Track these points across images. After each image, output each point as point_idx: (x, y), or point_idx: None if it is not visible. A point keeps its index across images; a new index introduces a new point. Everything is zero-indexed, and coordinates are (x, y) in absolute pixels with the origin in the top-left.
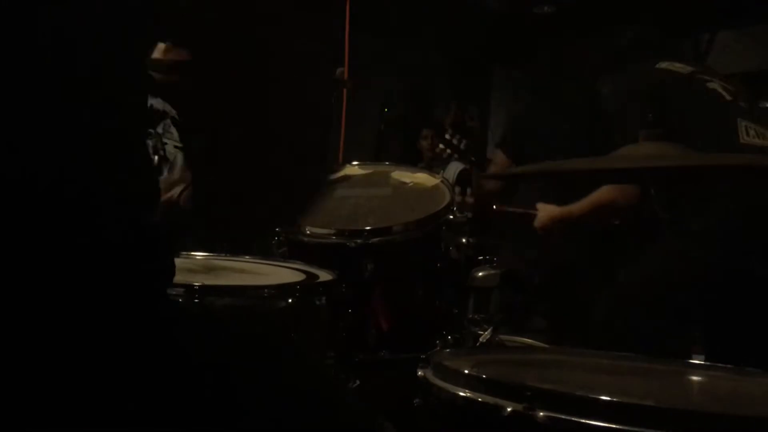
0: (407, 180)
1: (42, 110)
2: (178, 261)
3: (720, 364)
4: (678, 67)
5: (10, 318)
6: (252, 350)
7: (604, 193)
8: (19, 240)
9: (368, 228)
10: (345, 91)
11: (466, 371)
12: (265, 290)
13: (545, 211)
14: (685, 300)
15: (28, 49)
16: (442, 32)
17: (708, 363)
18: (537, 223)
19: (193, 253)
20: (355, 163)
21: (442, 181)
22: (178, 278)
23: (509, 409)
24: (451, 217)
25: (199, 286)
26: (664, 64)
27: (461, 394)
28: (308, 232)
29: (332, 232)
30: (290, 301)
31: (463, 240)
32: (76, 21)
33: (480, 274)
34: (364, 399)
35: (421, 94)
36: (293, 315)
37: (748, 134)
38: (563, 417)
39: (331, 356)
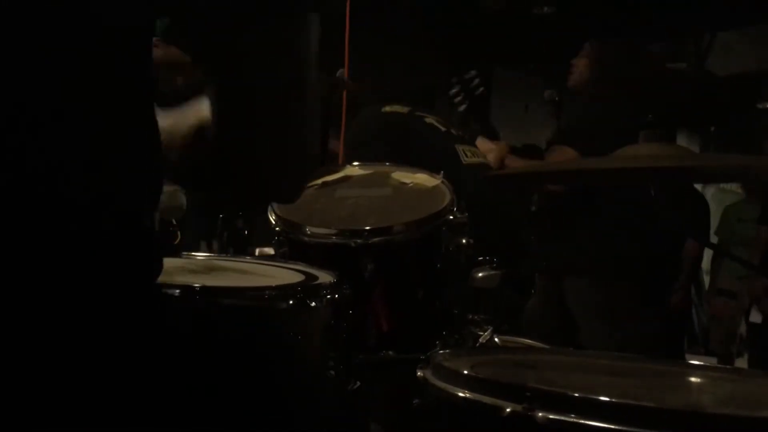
0: (407, 180)
1: (45, 108)
2: (178, 261)
3: (720, 365)
4: (397, 108)
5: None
6: (253, 351)
7: None
8: (12, 236)
9: (368, 228)
10: (345, 92)
11: (466, 372)
12: (266, 291)
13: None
14: None
15: (31, 45)
16: (442, 32)
17: (708, 363)
18: None
19: (194, 253)
20: (355, 163)
21: (442, 182)
22: (179, 279)
23: (508, 410)
24: (451, 217)
25: (199, 287)
26: (386, 108)
27: (460, 394)
28: (309, 232)
29: (333, 232)
30: (291, 302)
31: (463, 240)
32: (80, 19)
33: (480, 274)
34: (363, 400)
35: (421, 95)
36: (294, 316)
37: (467, 156)
38: (563, 418)
39: (331, 357)
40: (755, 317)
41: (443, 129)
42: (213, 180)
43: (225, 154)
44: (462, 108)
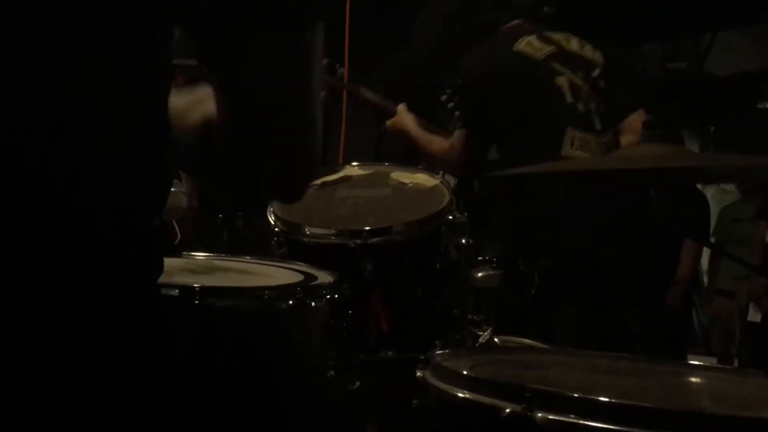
0: (407, 180)
1: (45, 108)
2: (179, 261)
3: (720, 365)
4: (535, 48)
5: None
6: (252, 351)
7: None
8: (10, 236)
9: (368, 228)
10: (345, 92)
11: (465, 372)
12: (266, 291)
13: (401, 116)
14: None
15: (31, 46)
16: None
17: (708, 363)
18: (389, 122)
19: (193, 253)
20: (355, 163)
21: (441, 182)
22: (179, 279)
23: (508, 410)
24: (451, 217)
25: (199, 287)
26: (522, 44)
27: (460, 395)
28: (308, 232)
29: (332, 232)
30: (291, 302)
31: (463, 240)
32: (80, 19)
33: (480, 274)
34: (363, 400)
35: (422, 94)
36: (294, 316)
37: (572, 145)
38: (562, 418)
39: (331, 357)
40: (753, 316)
41: (569, 100)
42: (218, 175)
43: (230, 153)
44: (458, 113)
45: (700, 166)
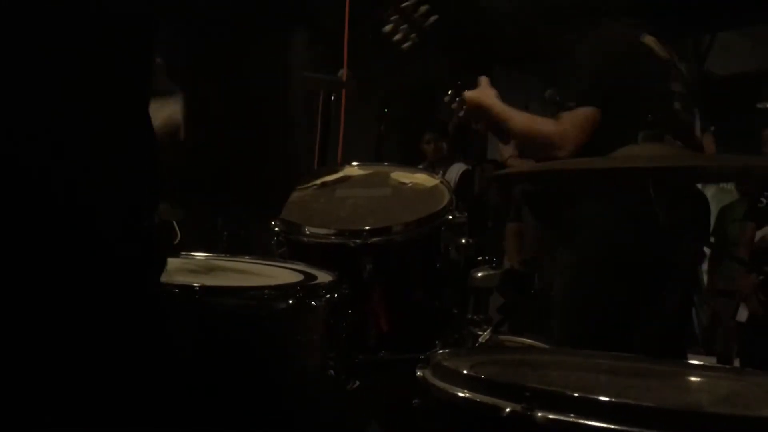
0: (407, 180)
1: (45, 108)
2: (178, 261)
3: (720, 365)
4: (659, 47)
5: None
6: (252, 351)
7: (541, 125)
8: (10, 236)
9: (368, 228)
10: (344, 91)
11: (465, 371)
12: (266, 291)
13: (484, 89)
14: None
15: (31, 45)
16: (443, 32)
17: (708, 363)
18: (467, 93)
19: (193, 253)
20: (355, 163)
21: (441, 182)
22: (179, 278)
23: (508, 410)
24: (451, 217)
25: (198, 286)
26: (648, 39)
27: (460, 394)
28: (308, 232)
29: (332, 232)
30: (291, 302)
31: (463, 240)
32: (80, 19)
33: (480, 274)
34: (363, 399)
35: (421, 94)
36: (294, 316)
37: None
38: (562, 417)
39: (331, 357)
40: (741, 316)
41: (677, 107)
42: (187, 185)
43: (198, 160)
44: (462, 113)
45: (700, 166)
